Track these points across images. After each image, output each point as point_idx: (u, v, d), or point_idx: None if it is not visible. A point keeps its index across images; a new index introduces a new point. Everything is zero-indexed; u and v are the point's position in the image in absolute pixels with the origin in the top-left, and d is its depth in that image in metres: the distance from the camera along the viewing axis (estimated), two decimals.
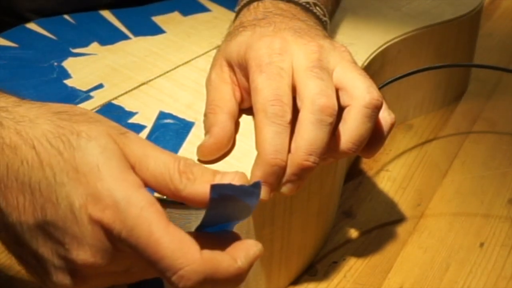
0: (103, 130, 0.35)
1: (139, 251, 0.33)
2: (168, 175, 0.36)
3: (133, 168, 0.36)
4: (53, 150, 0.34)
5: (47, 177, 0.34)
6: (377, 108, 0.44)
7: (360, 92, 0.44)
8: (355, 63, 0.47)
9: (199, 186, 0.36)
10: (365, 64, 0.59)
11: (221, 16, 0.66)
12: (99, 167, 0.34)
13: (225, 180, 0.36)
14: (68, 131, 0.35)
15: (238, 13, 0.54)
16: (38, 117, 0.36)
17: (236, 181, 0.36)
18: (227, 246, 0.36)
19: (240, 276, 0.35)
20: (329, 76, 0.45)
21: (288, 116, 0.42)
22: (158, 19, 0.65)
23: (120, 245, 0.34)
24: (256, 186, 0.36)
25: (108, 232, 0.34)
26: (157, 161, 0.36)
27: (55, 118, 0.36)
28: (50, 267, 0.35)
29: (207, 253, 0.34)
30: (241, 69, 0.48)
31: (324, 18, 0.54)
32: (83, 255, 0.34)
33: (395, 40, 0.64)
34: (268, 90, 0.43)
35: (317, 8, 0.54)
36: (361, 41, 0.62)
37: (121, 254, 0.35)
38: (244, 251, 0.35)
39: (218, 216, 0.37)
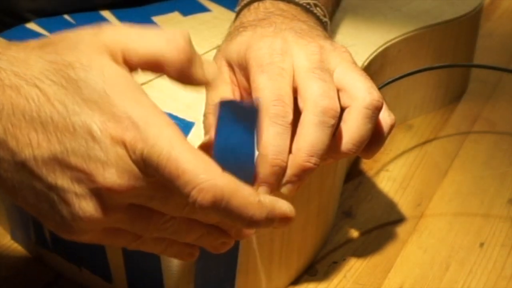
0: (90, 53, 0.35)
1: (161, 168, 0.33)
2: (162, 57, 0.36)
3: (123, 59, 0.36)
4: (56, 85, 0.34)
5: (58, 110, 0.34)
6: (377, 109, 0.44)
7: (361, 93, 0.44)
8: (355, 64, 0.47)
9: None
10: (365, 64, 0.59)
11: (221, 16, 0.66)
12: (108, 95, 0.34)
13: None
14: (62, 66, 0.35)
15: (238, 13, 0.54)
16: (29, 57, 0.35)
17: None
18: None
19: (258, 213, 0.34)
20: (330, 77, 0.45)
21: (290, 117, 0.42)
22: (158, 19, 0.65)
23: (142, 165, 0.34)
24: (255, 101, 0.39)
25: (131, 152, 0.34)
26: (144, 44, 0.36)
27: (44, 54, 0.35)
28: (72, 198, 0.34)
29: (229, 176, 0.34)
30: (241, 69, 0.48)
31: (325, 19, 0.54)
32: (110, 177, 0.34)
33: (395, 40, 0.64)
34: (270, 90, 0.43)
35: (318, 8, 0.54)
36: (361, 41, 0.62)
37: (143, 178, 0.34)
38: (273, 199, 0.36)
39: (228, 134, 0.38)
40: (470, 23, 0.72)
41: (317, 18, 0.53)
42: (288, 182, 0.42)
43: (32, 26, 0.63)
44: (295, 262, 0.53)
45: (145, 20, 0.65)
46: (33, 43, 0.36)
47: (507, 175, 0.66)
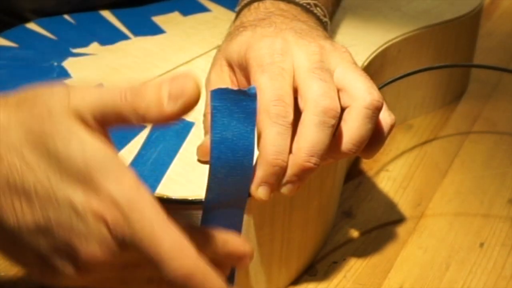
0: (66, 123, 0.35)
1: (142, 248, 0.34)
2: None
3: (95, 122, 0.35)
4: (37, 156, 0.34)
5: (41, 180, 0.34)
6: (377, 109, 0.44)
7: (361, 93, 0.44)
8: (355, 64, 0.47)
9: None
10: (365, 64, 0.59)
11: (221, 16, 0.66)
12: (89, 171, 0.34)
13: (175, 82, 0.35)
14: (41, 134, 0.34)
15: (238, 13, 0.54)
16: (9, 123, 0.35)
17: (188, 80, 0.35)
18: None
19: None
20: (331, 77, 0.45)
21: (290, 117, 0.42)
22: (158, 19, 0.65)
23: (123, 243, 0.34)
24: (251, 89, 0.38)
25: (112, 230, 0.34)
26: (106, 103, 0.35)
27: (22, 119, 0.35)
28: (56, 262, 0.35)
29: (204, 263, 0.35)
30: (241, 69, 0.48)
31: (325, 19, 0.54)
32: (91, 250, 0.34)
33: (395, 40, 0.64)
34: (271, 90, 0.43)
35: (318, 8, 0.54)
36: (361, 41, 0.62)
37: (122, 253, 0.35)
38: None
39: (224, 126, 0.38)
40: (470, 23, 0.72)
41: (317, 18, 0.53)
42: (288, 182, 0.42)
43: (32, 26, 0.63)
44: (295, 262, 0.53)
45: (145, 20, 0.65)
46: (11, 100, 0.36)
47: (507, 175, 0.66)
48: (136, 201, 0.34)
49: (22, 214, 0.35)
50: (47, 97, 0.35)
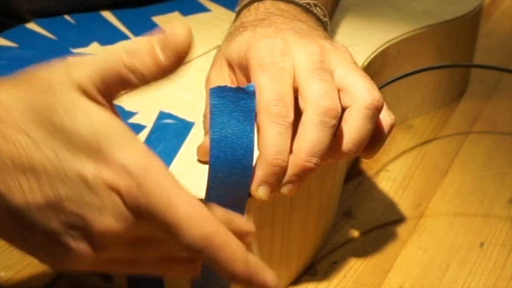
0: (69, 95, 0.34)
1: (158, 216, 0.33)
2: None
3: (98, 92, 0.35)
4: (42, 130, 0.34)
5: (48, 156, 0.34)
6: (378, 109, 0.44)
7: (361, 93, 0.44)
8: (355, 64, 0.47)
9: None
10: (365, 64, 0.59)
11: (221, 16, 0.66)
12: (99, 142, 0.33)
13: (164, 33, 0.35)
14: (44, 108, 0.34)
15: (238, 14, 0.54)
16: (8, 98, 0.35)
17: (176, 28, 0.35)
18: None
19: (240, 271, 0.35)
20: (331, 77, 0.45)
21: (291, 117, 0.42)
22: (158, 19, 0.65)
23: (137, 211, 0.34)
24: (249, 87, 0.38)
25: (126, 199, 0.34)
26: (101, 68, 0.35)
27: (22, 95, 0.35)
28: (68, 239, 0.34)
29: (224, 229, 0.34)
30: (241, 69, 0.48)
31: (325, 19, 0.54)
32: (106, 222, 0.34)
33: (395, 40, 0.64)
34: (271, 90, 0.43)
35: (317, 8, 0.54)
36: (361, 41, 0.62)
37: (137, 222, 0.35)
38: (261, 265, 0.36)
39: (223, 124, 0.38)
40: (470, 23, 0.72)
41: (317, 18, 0.53)
42: (288, 182, 0.42)
43: (32, 26, 0.63)
44: (295, 262, 0.53)
45: (145, 20, 0.65)
46: (11, 80, 0.36)
47: (507, 175, 0.66)
48: (149, 168, 0.33)
49: (31, 192, 0.34)
50: (47, 73, 0.35)
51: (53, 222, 0.34)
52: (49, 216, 0.34)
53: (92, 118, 0.34)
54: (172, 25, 0.35)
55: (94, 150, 0.33)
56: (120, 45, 0.35)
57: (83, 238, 0.34)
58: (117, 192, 0.33)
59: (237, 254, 0.34)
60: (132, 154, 0.34)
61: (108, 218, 0.34)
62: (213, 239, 0.34)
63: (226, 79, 0.49)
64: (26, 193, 0.34)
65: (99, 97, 0.35)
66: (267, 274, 0.36)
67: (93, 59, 0.35)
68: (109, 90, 0.35)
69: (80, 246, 0.35)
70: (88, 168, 0.33)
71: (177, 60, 0.35)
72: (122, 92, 0.36)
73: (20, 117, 0.34)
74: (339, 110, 0.43)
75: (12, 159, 0.34)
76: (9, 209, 0.34)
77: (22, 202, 0.34)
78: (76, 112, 0.34)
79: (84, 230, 0.34)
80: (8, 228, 0.36)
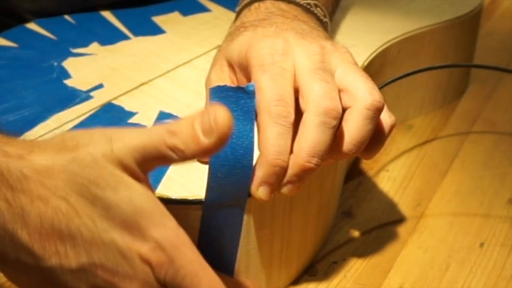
0: (111, 170, 0.36)
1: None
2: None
3: (138, 167, 0.37)
4: (83, 200, 0.36)
5: (86, 224, 0.36)
6: (378, 110, 0.44)
7: (362, 94, 0.44)
8: (356, 64, 0.47)
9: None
10: (365, 64, 0.59)
11: (221, 16, 0.66)
12: (137, 218, 0.36)
13: (206, 116, 0.36)
14: (86, 181, 0.36)
15: (238, 14, 0.54)
16: (53, 166, 0.36)
17: (218, 111, 0.36)
18: None
19: None
20: (332, 78, 0.45)
21: (292, 117, 0.42)
22: (158, 19, 0.65)
23: (164, 283, 0.36)
24: (249, 86, 0.39)
25: (156, 271, 0.36)
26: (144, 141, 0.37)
27: (65, 163, 0.36)
28: None
29: None
30: (241, 69, 0.48)
31: (325, 19, 0.54)
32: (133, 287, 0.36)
33: (395, 40, 0.64)
34: (272, 90, 0.43)
35: (318, 9, 0.54)
36: (361, 41, 0.62)
37: None
38: None
39: None
40: (470, 23, 0.72)
41: (318, 18, 0.53)
42: (288, 182, 0.42)
43: (32, 26, 0.63)
44: (295, 262, 0.53)
45: (145, 20, 0.65)
46: (51, 144, 0.37)
47: (506, 175, 0.66)
48: (178, 244, 0.36)
49: (66, 257, 0.36)
50: (88, 144, 0.36)
51: (83, 286, 0.36)
52: (81, 279, 0.36)
53: (132, 194, 0.36)
54: (214, 109, 0.36)
55: (131, 224, 0.36)
56: (163, 125, 0.37)
57: None
58: (149, 264, 0.36)
59: None
60: (165, 231, 0.36)
61: (136, 285, 0.36)
62: None
63: (226, 79, 0.49)
64: (61, 256, 0.36)
65: (138, 171, 0.37)
66: None
67: (136, 135, 0.37)
68: (147, 164, 0.37)
69: None
70: (124, 239, 0.36)
71: (218, 142, 0.36)
72: (162, 166, 0.38)
73: (62, 185, 0.36)
74: (340, 110, 0.43)
75: (51, 224, 0.35)
76: (42, 269, 0.36)
77: (56, 265, 0.36)
78: (118, 187, 0.36)
79: None
80: (37, 286, 0.38)
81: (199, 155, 0.37)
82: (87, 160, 0.36)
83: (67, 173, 0.36)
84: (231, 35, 0.50)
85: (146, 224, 0.36)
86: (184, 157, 0.37)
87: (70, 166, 0.36)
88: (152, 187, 0.39)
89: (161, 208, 0.37)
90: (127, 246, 0.36)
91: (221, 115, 0.36)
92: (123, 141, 0.36)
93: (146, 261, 0.36)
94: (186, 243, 0.37)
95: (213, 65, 0.51)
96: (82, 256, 0.36)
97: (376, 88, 0.45)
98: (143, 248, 0.36)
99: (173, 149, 0.36)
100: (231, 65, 0.49)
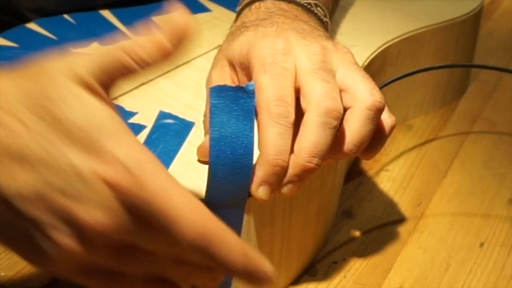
0: (68, 86, 0.34)
1: (153, 212, 0.33)
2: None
3: (97, 82, 0.35)
4: (37, 119, 0.33)
5: (41, 145, 0.33)
6: (379, 111, 0.44)
7: (363, 94, 0.44)
8: (357, 64, 0.47)
9: None
10: (365, 64, 0.59)
11: (221, 16, 0.66)
12: (96, 135, 0.33)
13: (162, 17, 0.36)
14: (40, 96, 0.33)
15: (239, 13, 0.54)
16: (4, 84, 0.34)
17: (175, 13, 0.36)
18: None
19: (238, 260, 0.34)
20: (333, 78, 0.45)
21: (292, 117, 0.42)
22: (158, 19, 0.65)
23: (130, 207, 0.33)
24: (249, 86, 0.38)
25: (120, 194, 0.33)
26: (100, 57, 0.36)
27: (19, 80, 0.34)
28: (54, 232, 0.33)
29: (220, 222, 0.34)
30: (242, 68, 0.48)
31: (325, 19, 0.54)
32: (96, 215, 0.33)
33: (395, 40, 0.64)
34: (272, 90, 0.43)
35: (318, 8, 0.54)
36: (361, 41, 0.62)
37: (130, 218, 0.34)
38: (257, 255, 0.35)
39: (223, 123, 0.38)
40: (470, 23, 0.72)
41: (318, 18, 0.53)
42: (289, 182, 0.42)
43: (32, 26, 0.63)
44: (295, 262, 0.53)
45: (145, 20, 0.65)
46: (10, 71, 0.35)
47: (507, 175, 0.66)
48: (143, 162, 0.33)
49: (22, 180, 0.33)
50: (47, 65, 0.35)
51: (42, 213, 0.33)
52: (38, 206, 0.33)
53: (91, 110, 0.33)
54: (171, 9, 0.35)
55: (90, 143, 0.33)
56: (120, 41, 0.36)
57: (70, 234, 0.33)
58: (110, 185, 0.33)
59: (236, 244, 0.34)
60: (129, 148, 0.33)
61: (98, 212, 0.33)
62: (211, 236, 0.33)
63: (227, 78, 0.49)
64: (18, 180, 0.33)
65: (98, 88, 0.35)
66: (265, 264, 0.35)
67: (94, 52, 0.35)
68: (110, 79, 0.35)
69: (65, 240, 0.34)
70: (82, 160, 0.33)
71: (178, 40, 0.35)
72: (124, 79, 0.36)
73: (17, 104, 0.33)
74: (341, 111, 0.43)
75: (5, 146, 0.33)
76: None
77: (13, 189, 0.33)
78: (74, 102, 0.33)
79: (72, 224, 0.33)
80: None
81: (160, 57, 0.35)
82: (42, 77, 0.34)
83: (23, 92, 0.34)
84: (232, 35, 0.50)
85: (107, 142, 0.33)
86: (145, 63, 0.35)
87: (26, 85, 0.34)
88: (115, 107, 0.36)
89: (123, 125, 0.34)
90: (87, 167, 0.33)
91: (179, 13, 0.35)
92: (80, 58, 0.35)
93: (109, 184, 0.33)
94: (152, 160, 0.33)
95: (214, 64, 0.51)
96: (38, 179, 0.33)
97: (377, 89, 0.45)
98: (105, 169, 0.33)
99: (132, 55, 0.35)
100: (232, 65, 0.49)
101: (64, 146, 0.33)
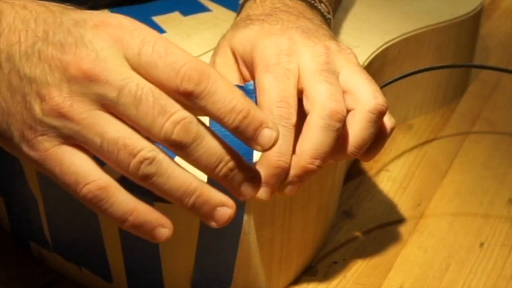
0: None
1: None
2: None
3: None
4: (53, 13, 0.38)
5: (55, 16, 0.37)
6: (381, 114, 0.44)
7: (366, 97, 0.44)
8: (360, 66, 0.47)
9: None
10: (366, 64, 0.59)
11: (221, 16, 0.66)
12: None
13: None
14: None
15: (243, 5, 0.54)
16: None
17: None
18: None
19: (239, 104, 0.36)
20: (337, 80, 0.45)
21: (294, 119, 0.42)
22: (158, 19, 0.65)
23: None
24: (248, 85, 0.39)
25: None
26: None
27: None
28: (48, 89, 0.35)
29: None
30: (245, 64, 0.48)
31: (329, 16, 0.54)
32: (88, 58, 0.35)
33: (395, 40, 0.64)
34: (275, 91, 0.43)
35: (322, 5, 0.54)
36: (362, 41, 0.62)
37: None
38: None
39: (223, 129, 0.38)
40: (470, 23, 0.72)
41: (322, 14, 0.53)
42: (290, 183, 0.42)
43: None
44: (295, 262, 0.53)
45: (145, 19, 0.65)
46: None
47: (507, 175, 0.66)
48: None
49: (25, 40, 0.36)
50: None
51: (38, 69, 0.36)
52: (33, 59, 0.36)
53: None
54: None
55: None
56: None
57: (62, 83, 0.35)
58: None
59: (234, 88, 0.36)
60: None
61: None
62: (209, 72, 0.35)
63: (231, 64, 0.49)
64: (21, 42, 0.36)
65: None
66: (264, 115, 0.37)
67: None
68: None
69: (57, 93, 0.35)
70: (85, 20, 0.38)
71: None
72: None
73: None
74: (344, 113, 0.43)
75: (23, 20, 0.37)
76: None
77: (15, 50, 0.36)
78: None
79: (65, 73, 0.35)
80: None
81: None
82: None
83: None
84: (236, 25, 0.50)
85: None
86: None
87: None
88: None
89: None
90: (90, 30, 0.37)
91: None
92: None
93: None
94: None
95: (216, 50, 0.51)
96: (38, 37, 0.36)
97: (380, 91, 0.45)
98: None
99: None
100: (234, 55, 0.49)
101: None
